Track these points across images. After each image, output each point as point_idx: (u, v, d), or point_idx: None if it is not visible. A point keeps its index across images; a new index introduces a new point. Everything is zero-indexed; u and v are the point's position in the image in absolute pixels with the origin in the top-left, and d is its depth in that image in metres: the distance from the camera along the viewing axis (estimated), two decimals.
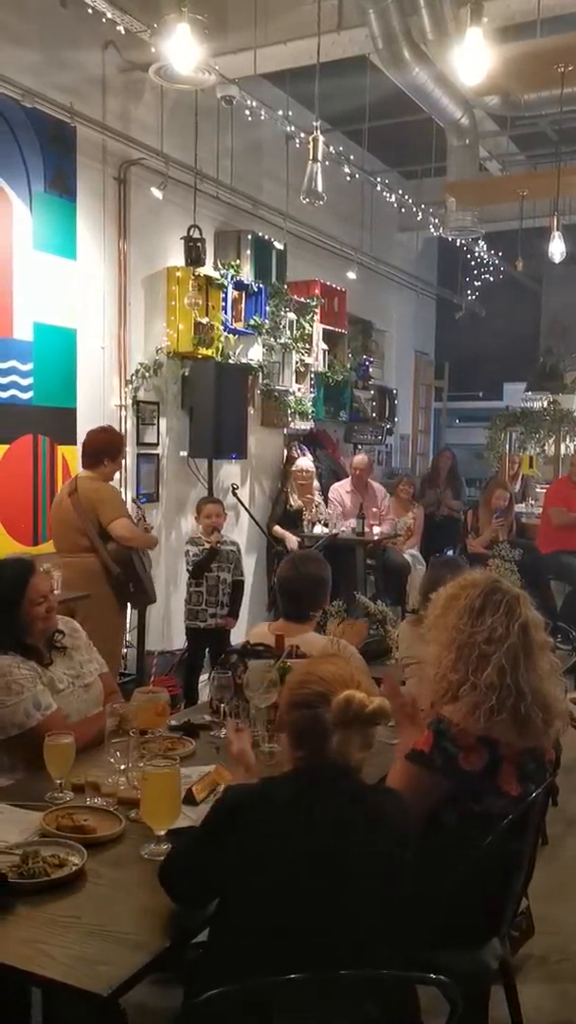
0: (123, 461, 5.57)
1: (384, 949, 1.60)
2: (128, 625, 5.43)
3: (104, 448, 4.46)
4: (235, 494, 6.22)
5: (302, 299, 7.20)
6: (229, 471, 6.59)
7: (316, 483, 6.94)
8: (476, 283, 10.12)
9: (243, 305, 6.38)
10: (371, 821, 1.65)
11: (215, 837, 1.67)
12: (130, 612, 5.44)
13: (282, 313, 6.78)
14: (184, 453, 6.07)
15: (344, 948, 1.56)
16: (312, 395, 7.43)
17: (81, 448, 4.59)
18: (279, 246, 6.80)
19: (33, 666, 2.54)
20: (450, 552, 8.02)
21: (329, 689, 1.67)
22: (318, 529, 6.66)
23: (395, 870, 1.64)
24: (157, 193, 5.63)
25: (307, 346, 7.24)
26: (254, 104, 5.83)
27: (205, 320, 5.85)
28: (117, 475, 5.50)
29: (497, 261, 9.54)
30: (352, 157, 6.92)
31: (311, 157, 4.10)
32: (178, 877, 1.76)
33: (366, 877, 1.60)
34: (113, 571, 4.32)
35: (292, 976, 1.44)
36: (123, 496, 4.70)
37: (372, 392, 8.57)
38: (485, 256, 9.36)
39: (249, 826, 1.62)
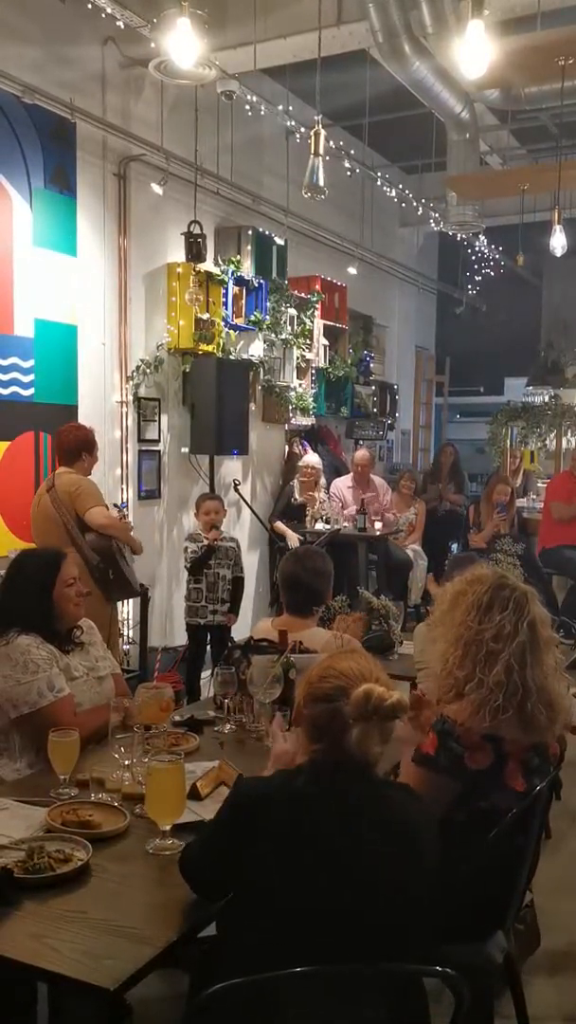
0: (126, 458, 5.58)
1: (394, 946, 1.59)
2: (131, 622, 5.45)
3: (81, 444, 4.43)
4: (237, 490, 6.22)
5: (303, 295, 7.19)
6: (231, 467, 6.59)
7: (323, 480, 6.93)
8: (477, 278, 10.11)
9: (244, 301, 6.37)
10: (387, 817, 1.65)
11: (228, 830, 1.67)
12: (133, 610, 5.46)
13: (283, 309, 6.77)
14: (185, 449, 6.07)
15: (354, 944, 1.55)
16: (313, 391, 7.43)
17: (56, 448, 4.56)
18: (280, 241, 6.79)
19: (52, 649, 2.60)
20: (454, 546, 8.02)
21: (349, 683, 1.67)
22: (320, 526, 6.67)
23: (409, 867, 1.63)
24: (157, 189, 5.62)
25: (308, 342, 7.24)
26: (254, 99, 5.82)
27: (206, 316, 5.84)
28: (119, 472, 5.52)
29: (498, 255, 9.53)
30: (352, 152, 6.92)
31: (312, 151, 4.09)
32: (195, 869, 1.77)
33: (379, 873, 1.59)
34: (92, 560, 4.31)
35: (298, 969, 1.44)
36: (101, 489, 4.67)
37: (373, 387, 8.57)
38: (486, 251, 9.35)
39: (262, 819, 1.62)
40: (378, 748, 1.66)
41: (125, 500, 5.54)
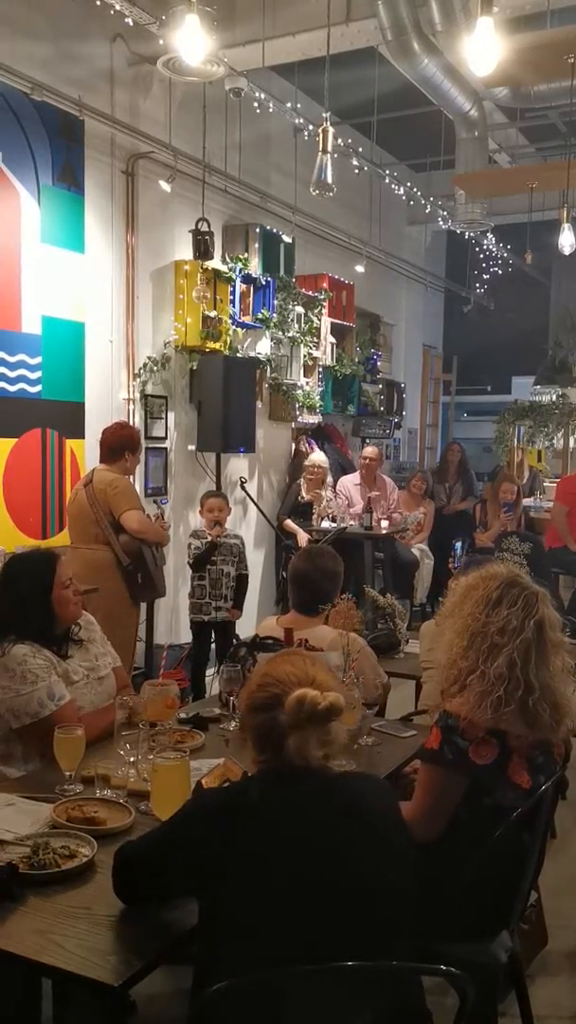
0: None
1: (380, 935, 1.56)
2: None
3: (124, 443, 4.46)
4: (243, 488, 6.22)
5: (310, 292, 7.18)
6: (237, 465, 6.59)
7: (329, 478, 6.92)
8: (485, 276, 10.09)
9: (251, 299, 6.37)
10: (345, 803, 1.62)
11: (182, 840, 1.64)
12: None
13: (290, 307, 6.77)
14: (192, 447, 6.07)
15: (338, 933, 1.52)
16: (320, 389, 7.43)
17: (100, 445, 4.58)
18: (287, 239, 6.79)
19: (48, 656, 2.55)
20: (457, 545, 8.01)
21: (284, 690, 1.63)
22: (326, 524, 6.66)
23: (377, 848, 1.60)
24: (165, 186, 5.62)
25: (315, 340, 7.23)
26: (262, 97, 5.81)
27: (213, 314, 5.84)
28: None
29: (506, 254, 9.51)
30: (361, 150, 6.91)
31: (321, 148, 4.09)
32: (132, 874, 1.73)
33: (349, 860, 1.57)
34: (124, 562, 4.33)
35: (301, 968, 1.43)
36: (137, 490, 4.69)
37: (380, 386, 8.56)
38: (494, 249, 9.33)
39: (216, 831, 1.59)
40: (319, 751, 1.61)
41: (158, 502, 5.50)
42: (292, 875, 1.53)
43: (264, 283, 6.44)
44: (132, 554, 4.36)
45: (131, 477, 4.72)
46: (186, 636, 5.50)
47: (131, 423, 5.55)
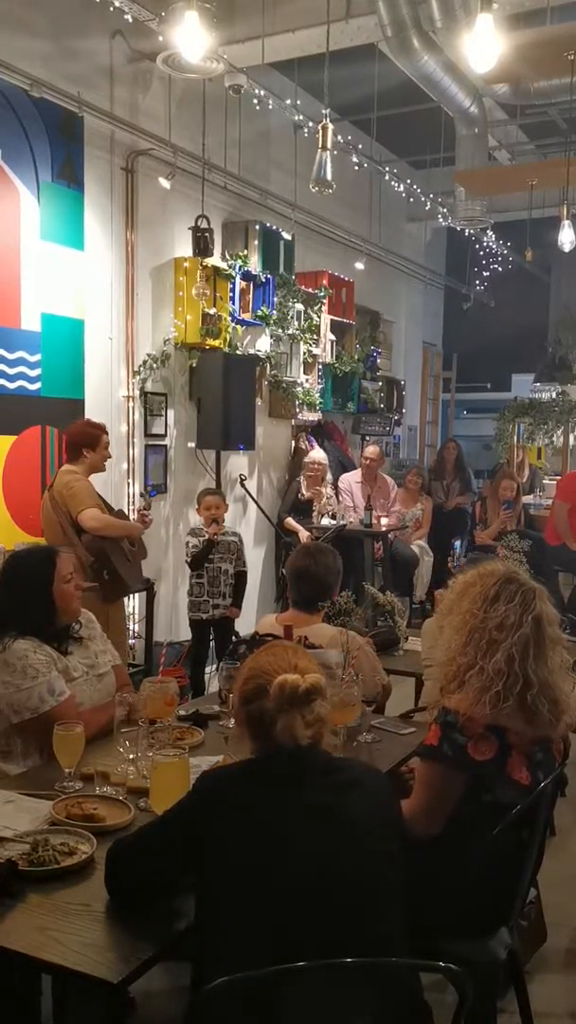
0: (132, 453, 5.58)
1: (372, 928, 1.57)
2: (136, 616, 5.46)
3: (79, 439, 4.36)
4: (243, 485, 6.22)
5: (310, 290, 7.18)
6: (237, 462, 6.58)
7: (328, 476, 6.92)
8: (485, 273, 10.09)
9: (251, 296, 6.37)
10: (340, 787, 1.67)
11: (177, 832, 1.68)
12: (138, 605, 5.46)
13: (290, 304, 6.76)
14: (192, 444, 6.07)
15: (326, 932, 1.53)
16: (320, 386, 7.42)
17: (64, 444, 4.53)
18: (287, 236, 6.78)
19: (49, 652, 2.57)
20: (457, 543, 8.01)
21: (267, 680, 1.70)
22: (326, 521, 6.66)
23: (375, 836, 1.63)
24: (165, 183, 5.61)
25: (315, 337, 7.23)
26: (262, 93, 5.80)
27: (213, 311, 5.84)
28: (125, 466, 5.52)
29: (506, 251, 9.51)
30: (360, 146, 6.90)
31: (321, 145, 4.09)
32: (126, 869, 1.75)
33: (343, 828, 1.60)
34: (86, 560, 4.28)
35: (299, 964, 1.43)
36: (94, 488, 4.53)
37: (380, 383, 8.55)
38: (494, 246, 9.33)
39: (208, 820, 1.63)
40: (307, 731, 1.68)
41: (146, 494, 5.45)
42: (288, 859, 1.55)
43: (264, 280, 6.44)
44: (95, 552, 4.30)
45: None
46: (186, 634, 5.50)
47: (129, 420, 5.55)
